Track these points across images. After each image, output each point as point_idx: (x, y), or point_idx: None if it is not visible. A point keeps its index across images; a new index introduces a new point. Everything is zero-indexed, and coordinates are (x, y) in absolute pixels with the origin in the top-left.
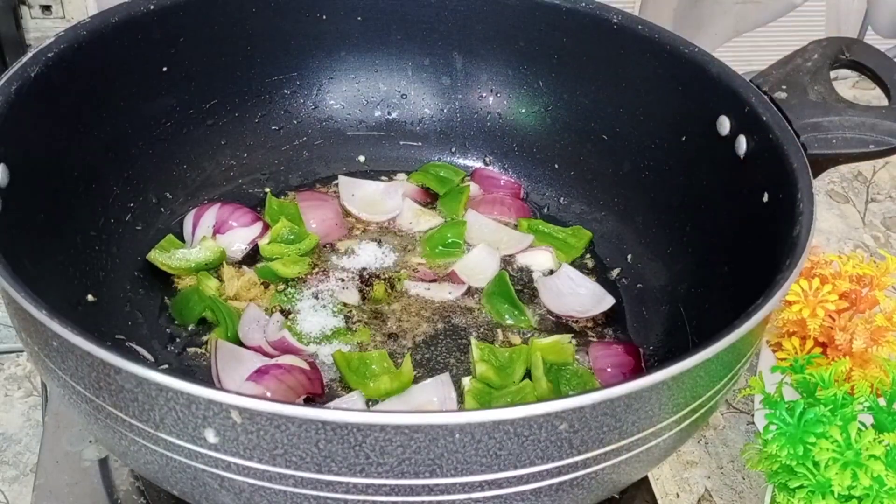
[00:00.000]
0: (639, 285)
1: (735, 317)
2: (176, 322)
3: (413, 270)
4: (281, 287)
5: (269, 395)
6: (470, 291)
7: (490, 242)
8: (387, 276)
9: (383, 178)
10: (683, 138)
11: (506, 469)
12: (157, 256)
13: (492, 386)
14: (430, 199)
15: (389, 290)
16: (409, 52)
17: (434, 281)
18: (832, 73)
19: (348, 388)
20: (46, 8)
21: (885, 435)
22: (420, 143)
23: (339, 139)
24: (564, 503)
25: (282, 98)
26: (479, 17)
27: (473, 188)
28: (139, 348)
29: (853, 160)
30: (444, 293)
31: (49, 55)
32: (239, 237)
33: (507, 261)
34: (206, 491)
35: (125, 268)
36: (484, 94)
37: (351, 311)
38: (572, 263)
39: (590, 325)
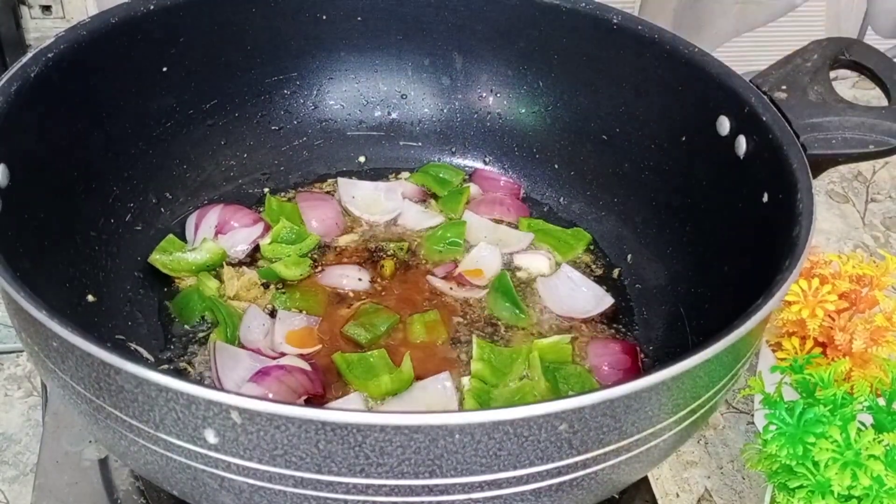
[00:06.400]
0: (638, 285)
1: (735, 317)
2: (176, 322)
3: (431, 265)
4: (280, 286)
5: (270, 396)
6: (471, 290)
7: (490, 242)
8: (391, 251)
9: (389, 176)
10: (683, 138)
11: (505, 469)
12: (158, 259)
13: (486, 383)
14: (430, 199)
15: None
16: (409, 52)
17: (446, 278)
18: (832, 73)
19: (349, 389)
20: (46, 8)
21: (885, 435)
22: (420, 144)
23: (339, 139)
24: (564, 503)
25: (282, 98)
26: (479, 17)
27: (473, 188)
28: (139, 349)
29: (853, 160)
30: (458, 293)
31: (49, 55)
32: (240, 237)
33: (506, 261)
34: (206, 491)
35: (125, 268)
36: (484, 94)
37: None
38: (572, 263)
39: (589, 325)
